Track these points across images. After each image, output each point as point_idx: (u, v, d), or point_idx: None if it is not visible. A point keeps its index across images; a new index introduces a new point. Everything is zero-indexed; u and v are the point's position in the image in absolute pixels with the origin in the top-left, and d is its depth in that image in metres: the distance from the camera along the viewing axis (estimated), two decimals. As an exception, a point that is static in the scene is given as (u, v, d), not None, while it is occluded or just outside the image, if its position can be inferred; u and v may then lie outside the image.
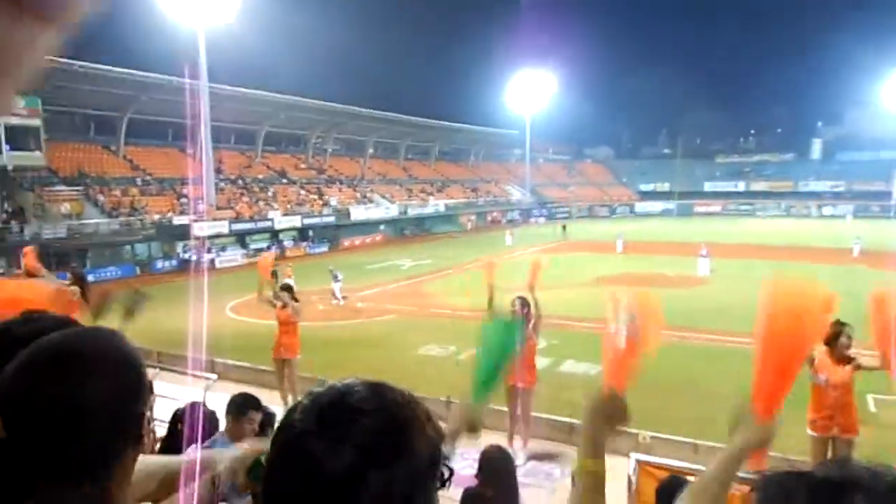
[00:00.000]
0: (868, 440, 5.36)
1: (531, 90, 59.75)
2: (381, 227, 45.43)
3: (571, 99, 69.18)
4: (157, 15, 31.67)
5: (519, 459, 7.22)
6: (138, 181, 35.89)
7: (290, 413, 0.76)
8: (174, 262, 31.27)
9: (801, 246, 32.67)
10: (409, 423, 0.74)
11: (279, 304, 8.94)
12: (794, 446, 6.32)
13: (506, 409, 7.44)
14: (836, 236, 36.31)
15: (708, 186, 69.74)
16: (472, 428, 1.52)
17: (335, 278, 19.96)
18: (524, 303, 7.12)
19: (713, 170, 73.51)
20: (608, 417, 1.30)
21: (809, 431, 5.71)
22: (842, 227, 44.75)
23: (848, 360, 5.52)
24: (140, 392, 0.97)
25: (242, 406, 4.02)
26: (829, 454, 5.57)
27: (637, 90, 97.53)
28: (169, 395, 5.58)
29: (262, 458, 3.24)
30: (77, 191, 31.97)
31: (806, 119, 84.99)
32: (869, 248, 28.05)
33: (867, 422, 5.49)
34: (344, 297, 20.14)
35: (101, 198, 32.05)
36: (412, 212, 48.31)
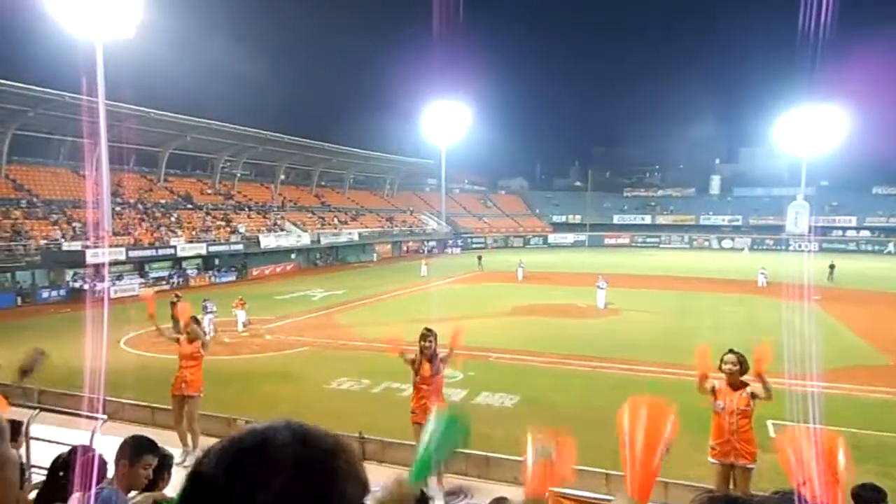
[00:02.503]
0: (767, 466, 5.63)
1: (446, 121, 60.87)
2: (293, 255, 44.23)
3: (486, 130, 71.06)
4: (49, 25, 29.61)
5: (438, 499, 7.06)
6: (23, 203, 33.00)
7: (202, 458, 0.69)
8: (62, 292, 28.81)
9: (708, 277, 34.89)
10: (331, 479, 0.69)
11: (183, 338, 8.37)
12: (698, 474, 6.58)
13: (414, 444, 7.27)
14: (737, 268, 39.20)
15: (617, 219, 73.27)
16: None
17: (205, 309, 18.86)
18: (435, 337, 7.07)
19: (622, 203, 77.47)
20: None
21: (710, 459, 5.94)
22: (741, 259, 48.41)
23: (743, 386, 5.84)
24: None
25: (136, 449, 3.64)
26: (731, 482, 5.81)
27: (549, 124, 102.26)
28: (50, 439, 5.02)
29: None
30: (-52, 212, 28.93)
31: (705, 156, 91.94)
32: (772, 279, 30.35)
33: (767, 447, 5.77)
34: (245, 326, 19.82)
35: (-24, 220, 29.15)
36: (325, 240, 47.41)
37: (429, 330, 7.09)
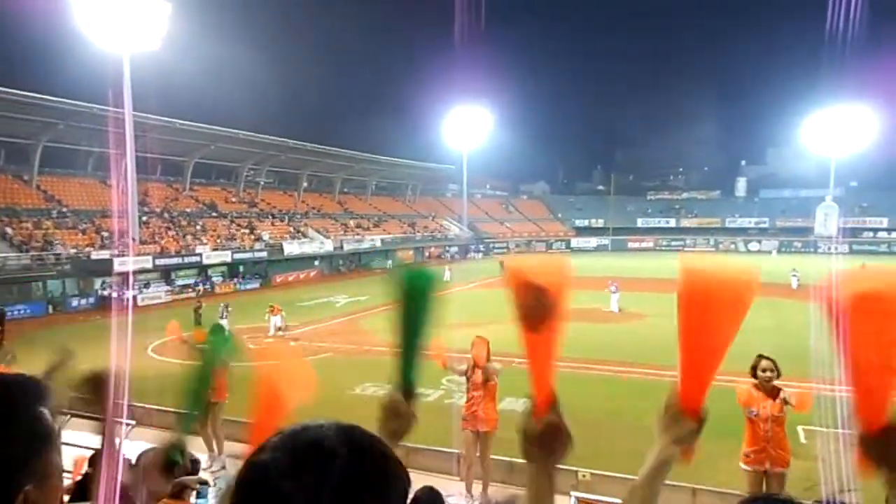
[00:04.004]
0: (800, 472, 5.50)
1: (468, 126, 60.98)
2: (316, 262, 44.58)
3: (507, 135, 71.08)
4: (78, 40, 30.40)
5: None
6: (53, 213, 33.82)
7: (259, 452, 0.72)
8: (91, 300, 29.42)
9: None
10: (383, 464, 0.74)
11: (207, 346, 8.53)
12: (728, 481, 6.45)
13: (455, 452, 7.28)
14: (766, 270, 38.29)
15: (641, 222, 72.47)
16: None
17: (222, 316, 19.96)
18: (487, 344, 7.12)
19: (645, 206, 76.65)
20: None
21: (743, 465, 5.82)
22: (770, 262, 47.51)
23: (777, 393, 5.71)
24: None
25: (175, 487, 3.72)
26: (764, 488, 5.69)
27: (571, 127, 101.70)
28: (80, 444, 5.10)
29: (175, 456, 2.97)
30: (-18, 223, 29.78)
31: (730, 158, 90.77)
32: (804, 281, 29.70)
33: (798, 454, 5.65)
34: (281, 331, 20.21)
35: (9, 230, 29.93)
36: (348, 247, 47.72)
37: (479, 338, 7.14)
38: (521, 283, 1.18)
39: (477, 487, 7.22)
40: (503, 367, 7.14)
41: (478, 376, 7.06)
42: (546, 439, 1.13)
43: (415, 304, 1.33)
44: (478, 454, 7.22)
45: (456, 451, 7.68)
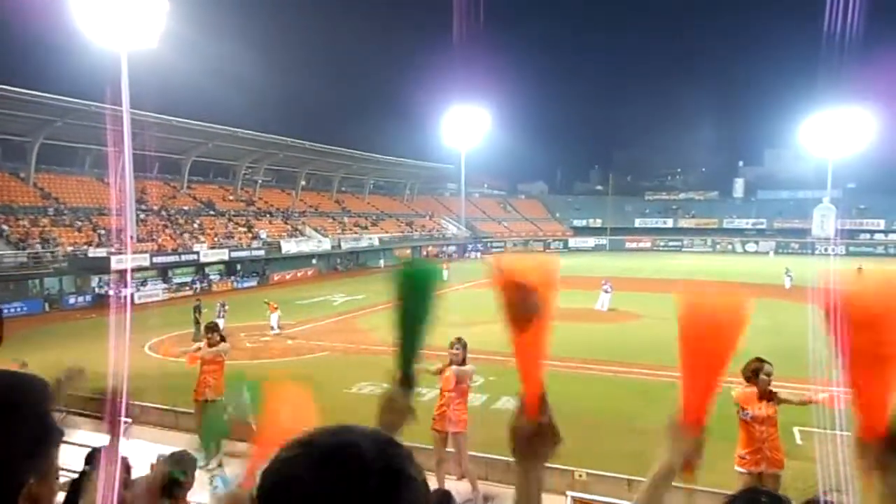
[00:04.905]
0: (795, 474, 5.52)
1: (466, 125, 60.96)
2: (313, 261, 44.55)
3: (506, 135, 71.09)
4: (76, 37, 30.31)
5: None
6: (50, 210, 33.74)
7: (285, 450, 0.71)
8: (88, 298, 29.35)
9: (732, 281, 34.34)
10: (409, 480, 0.73)
11: (203, 343, 8.53)
12: (723, 482, 6.46)
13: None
14: (762, 271, 38.56)
15: (638, 222, 72.52)
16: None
17: (219, 314, 19.72)
18: (464, 345, 7.04)
19: (643, 206, 76.69)
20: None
21: (738, 468, 5.83)
22: (767, 263, 47.56)
23: (771, 394, 5.73)
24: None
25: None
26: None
27: (569, 127, 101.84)
28: (76, 441, 5.09)
29: (178, 476, 2.96)
30: (-22, 220, 29.68)
31: (728, 159, 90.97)
32: (798, 282, 29.77)
33: (794, 455, 5.66)
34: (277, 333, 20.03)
35: (5, 228, 29.85)
36: (345, 245, 47.69)
37: (458, 339, 7.09)
38: (508, 282, 1.20)
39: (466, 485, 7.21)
40: (475, 368, 7.11)
41: (451, 376, 7.00)
42: (536, 439, 1.12)
43: (416, 298, 1.31)
44: (448, 451, 7.15)
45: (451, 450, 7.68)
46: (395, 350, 1.31)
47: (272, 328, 20.18)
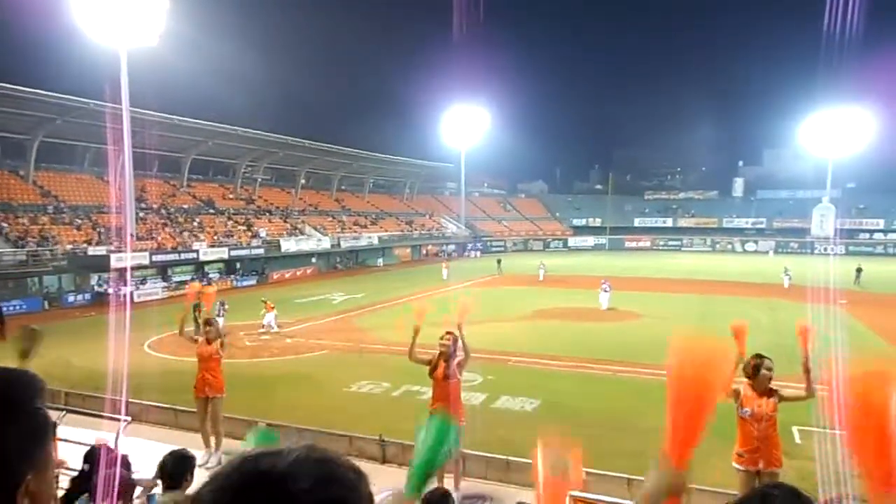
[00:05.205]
0: (793, 472, 5.51)
1: (466, 124, 60.94)
2: (313, 259, 44.52)
3: (506, 134, 71.10)
4: (76, 35, 30.28)
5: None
6: (49, 209, 33.72)
7: (207, 485, 0.63)
8: (87, 296, 29.33)
9: (731, 281, 34.36)
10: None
11: (201, 339, 8.48)
12: (721, 480, 6.46)
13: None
14: (762, 271, 38.51)
15: (638, 222, 72.44)
16: None
17: (219, 312, 19.61)
18: (454, 339, 7.07)
19: (643, 206, 76.63)
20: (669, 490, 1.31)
21: (736, 465, 5.81)
22: (766, 263, 47.53)
23: (771, 392, 5.71)
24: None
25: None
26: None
27: (569, 127, 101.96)
28: (77, 440, 5.10)
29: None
30: (-22, 218, 29.63)
31: (728, 158, 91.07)
32: (796, 281, 29.77)
33: (793, 454, 5.66)
34: (265, 331, 19.99)
35: (5, 226, 29.83)
36: (345, 244, 47.67)
37: (448, 332, 7.12)
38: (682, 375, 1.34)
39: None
40: (461, 355, 7.12)
41: (442, 371, 7.08)
42: (677, 491, 1.26)
43: (437, 445, 1.48)
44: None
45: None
46: (410, 478, 1.44)
47: (262, 327, 20.09)
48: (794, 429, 7.94)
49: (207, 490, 0.62)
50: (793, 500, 1.17)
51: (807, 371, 5.46)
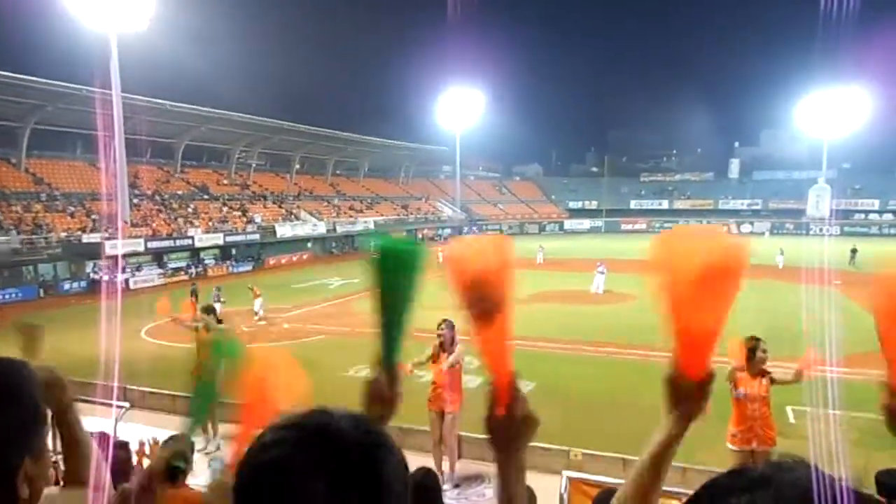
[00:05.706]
0: (786, 450, 5.58)
1: (461, 107, 60.62)
2: (309, 244, 44.48)
3: (501, 117, 70.93)
4: (65, 20, 29.89)
5: (446, 484, 7.11)
6: (42, 196, 33.50)
7: (265, 435, 0.73)
8: (83, 283, 29.28)
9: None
10: (387, 454, 0.74)
11: (201, 325, 8.49)
12: (711, 459, 6.55)
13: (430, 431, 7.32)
14: (757, 252, 38.61)
15: (634, 204, 72.46)
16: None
17: (216, 298, 19.80)
18: (451, 325, 7.03)
19: (638, 188, 76.60)
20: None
21: (730, 445, 5.92)
22: (762, 244, 47.71)
23: (764, 373, 5.79)
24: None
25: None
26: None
27: (565, 109, 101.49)
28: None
29: (178, 464, 2.99)
30: (-29, 206, 29.44)
31: (724, 140, 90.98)
32: (790, 262, 29.90)
33: (787, 433, 5.73)
34: (260, 318, 20.00)
35: (-1, 214, 29.67)
36: (340, 229, 47.60)
37: (444, 320, 7.08)
38: (463, 276, 1.12)
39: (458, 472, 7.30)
40: (465, 348, 7.15)
41: (443, 358, 7.07)
42: (511, 429, 1.10)
43: (396, 277, 1.21)
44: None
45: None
46: (376, 335, 1.27)
47: (257, 314, 20.18)
48: (789, 409, 8.03)
49: (274, 439, 0.71)
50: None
51: (798, 375, 5.67)
